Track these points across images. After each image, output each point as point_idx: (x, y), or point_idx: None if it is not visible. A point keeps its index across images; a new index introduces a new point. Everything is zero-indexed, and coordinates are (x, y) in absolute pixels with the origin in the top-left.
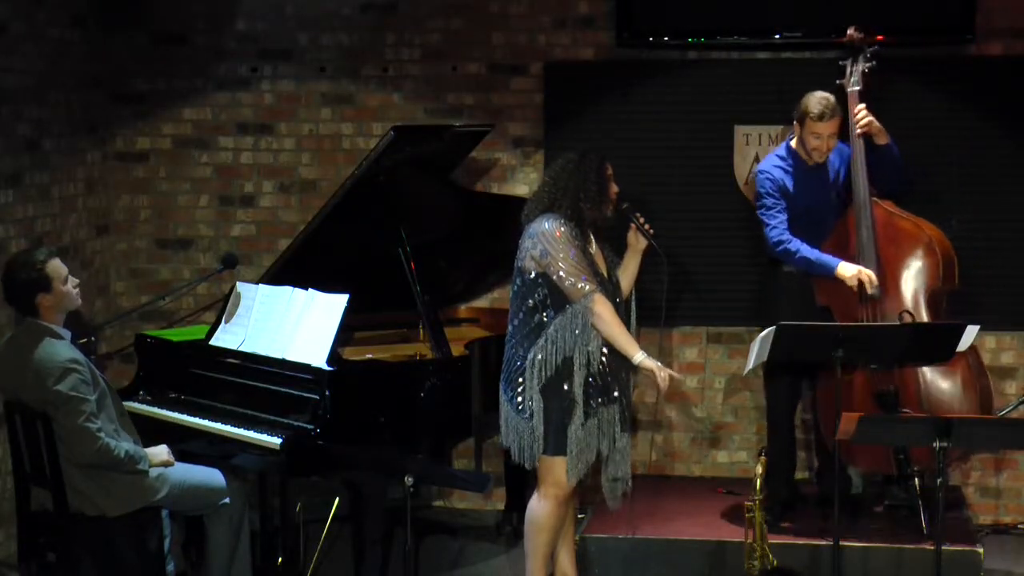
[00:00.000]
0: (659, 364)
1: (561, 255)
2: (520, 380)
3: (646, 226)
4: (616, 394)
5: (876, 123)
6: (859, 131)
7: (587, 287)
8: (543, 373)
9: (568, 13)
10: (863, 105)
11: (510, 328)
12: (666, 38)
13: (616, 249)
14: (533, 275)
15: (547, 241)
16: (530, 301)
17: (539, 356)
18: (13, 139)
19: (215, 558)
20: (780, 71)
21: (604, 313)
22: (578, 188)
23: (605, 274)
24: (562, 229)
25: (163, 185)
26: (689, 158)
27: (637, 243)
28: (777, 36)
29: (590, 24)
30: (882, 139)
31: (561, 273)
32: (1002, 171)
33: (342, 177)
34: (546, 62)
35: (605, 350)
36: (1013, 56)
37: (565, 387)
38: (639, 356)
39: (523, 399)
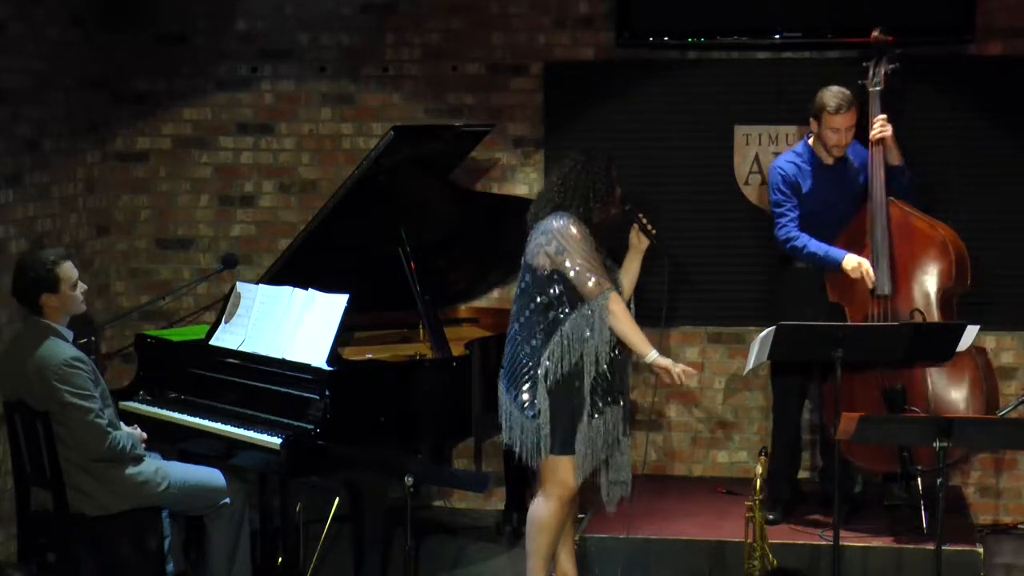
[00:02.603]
0: (672, 361)
1: (577, 252)
2: (527, 378)
3: (649, 226)
4: (619, 395)
5: (892, 141)
6: (873, 137)
7: (604, 285)
8: (557, 371)
9: (568, 13)
10: (884, 116)
11: (515, 325)
12: (666, 38)
13: (615, 252)
14: (548, 272)
15: (563, 238)
16: (540, 298)
17: (553, 354)
18: (13, 139)
19: (215, 558)
20: (780, 71)
21: (619, 312)
22: (588, 188)
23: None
24: (576, 227)
25: (163, 185)
26: (689, 158)
27: (639, 243)
28: (777, 36)
29: (590, 24)
30: (894, 159)
31: (577, 269)
32: (1002, 171)
33: (342, 177)
34: (546, 62)
35: (612, 350)
36: (1013, 56)
37: (576, 385)
38: (652, 355)
39: (530, 397)
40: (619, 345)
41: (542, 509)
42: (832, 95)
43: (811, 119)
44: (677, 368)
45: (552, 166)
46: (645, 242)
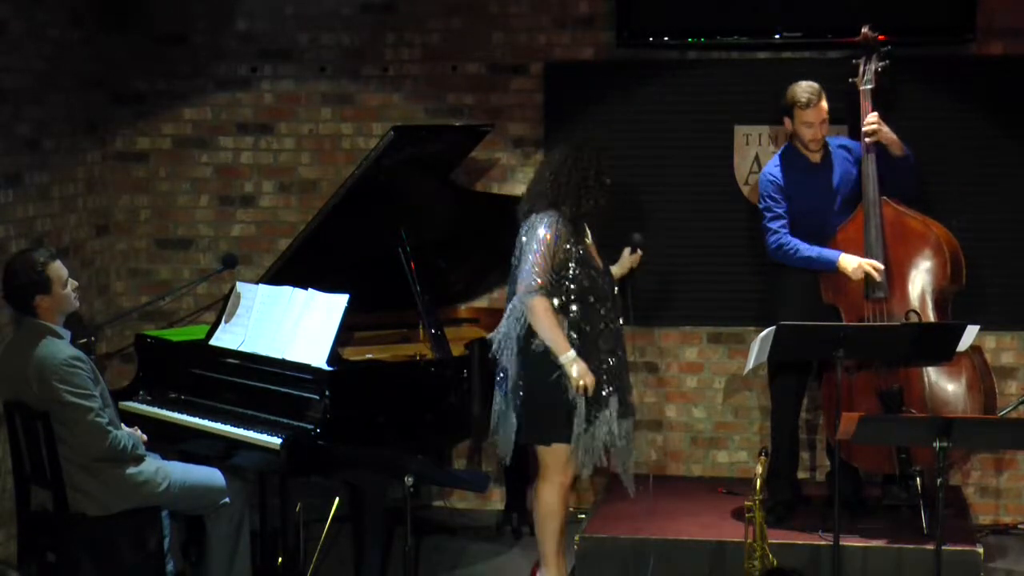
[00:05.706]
0: (582, 371)
1: (537, 252)
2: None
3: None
4: (613, 386)
5: (889, 134)
6: (865, 137)
7: (534, 287)
8: (535, 351)
9: (568, 13)
10: (876, 114)
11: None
12: (666, 38)
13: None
14: None
15: (533, 237)
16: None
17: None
18: (13, 139)
19: (215, 558)
20: (780, 71)
21: (540, 312)
22: (580, 183)
23: (600, 266)
24: (552, 231)
25: (163, 185)
26: (689, 158)
27: (630, 262)
28: (777, 36)
29: (590, 24)
30: (897, 150)
31: (526, 266)
32: (1002, 171)
33: (342, 177)
34: (546, 62)
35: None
36: (1013, 56)
37: (558, 377)
38: (571, 355)
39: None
40: (609, 319)
41: (545, 494)
42: (802, 90)
43: (784, 118)
44: (581, 381)
45: (544, 159)
46: (635, 259)
